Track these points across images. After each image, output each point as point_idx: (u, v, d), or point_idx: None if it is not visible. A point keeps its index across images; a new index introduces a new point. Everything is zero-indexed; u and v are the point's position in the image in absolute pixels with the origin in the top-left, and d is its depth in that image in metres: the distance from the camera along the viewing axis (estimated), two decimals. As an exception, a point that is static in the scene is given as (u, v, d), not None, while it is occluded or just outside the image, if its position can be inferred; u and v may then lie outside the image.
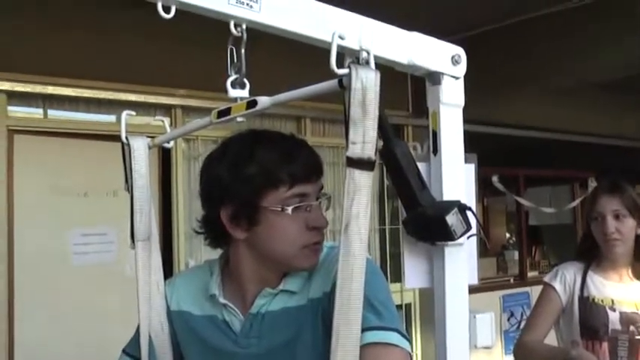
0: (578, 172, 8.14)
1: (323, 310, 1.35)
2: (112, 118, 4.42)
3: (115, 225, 4.30)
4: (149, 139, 1.56)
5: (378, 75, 1.15)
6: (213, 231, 1.45)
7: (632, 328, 2.47)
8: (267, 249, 1.39)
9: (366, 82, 1.12)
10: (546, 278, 2.69)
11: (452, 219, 1.42)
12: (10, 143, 4.01)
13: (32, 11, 4.01)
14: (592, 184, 8.40)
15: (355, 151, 1.14)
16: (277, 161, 1.35)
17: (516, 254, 7.83)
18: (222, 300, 1.45)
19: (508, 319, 6.90)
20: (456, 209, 1.42)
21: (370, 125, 1.14)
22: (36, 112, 4.24)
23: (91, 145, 4.26)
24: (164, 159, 4.41)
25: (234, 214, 1.37)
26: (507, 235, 9.60)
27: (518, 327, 6.93)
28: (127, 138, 1.53)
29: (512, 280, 7.44)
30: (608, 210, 2.53)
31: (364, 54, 1.19)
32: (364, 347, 1.19)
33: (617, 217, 2.52)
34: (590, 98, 7.19)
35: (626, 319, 2.49)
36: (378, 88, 1.14)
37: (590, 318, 2.52)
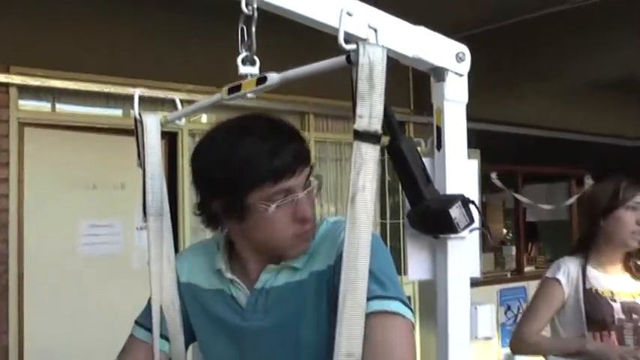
0: (574, 169, 8.13)
1: (328, 282, 1.35)
2: (118, 112, 4.42)
3: (123, 217, 4.31)
4: (161, 116, 1.56)
5: (385, 51, 1.15)
6: (208, 217, 1.44)
7: (634, 316, 2.52)
8: (258, 240, 1.39)
9: (373, 58, 1.13)
10: (549, 273, 2.66)
11: (455, 212, 1.42)
12: (20, 136, 4.01)
13: (42, 7, 4.01)
14: (588, 181, 8.40)
15: (362, 124, 1.15)
16: (260, 158, 1.32)
17: (514, 250, 7.84)
18: (228, 275, 1.45)
19: (505, 313, 6.91)
20: (459, 203, 1.42)
21: (377, 100, 1.14)
22: (45, 106, 4.23)
23: (99, 139, 4.27)
24: (170, 153, 4.40)
25: (224, 207, 1.37)
26: (505, 231, 9.59)
27: (515, 320, 6.94)
28: (139, 115, 1.53)
29: (509, 275, 7.44)
30: None
31: (371, 33, 1.19)
32: (368, 315, 1.19)
33: None
34: (591, 98, 7.20)
35: (627, 309, 2.52)
36: (384, 65, 1.14)
37: (597, 310, 2.53)
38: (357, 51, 1.14)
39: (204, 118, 4.59)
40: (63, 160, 4.20)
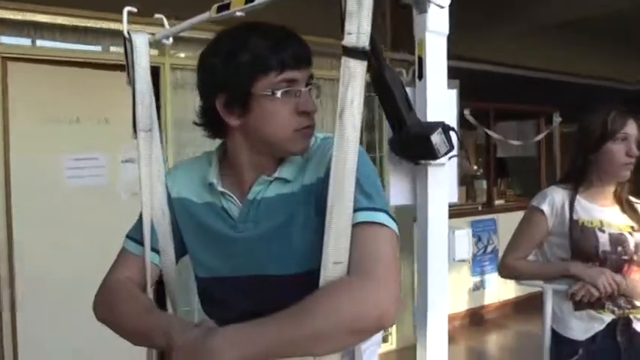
0: (544, 107, 8.19)
1: (317, 194, 1.36)
2: (98, 48, 4.33)
3: (106, 150, 4.29)
4: (150, 35, 1.56)
5: None
6: (210, 121, 1.45)
7: (619, 248, 2.49)
8: (261, 134, 1.39)
9: None
10: (535, 202, 2.62)
11: (436, 138, 1.44)
12: (4, 70, 3.94)
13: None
14: (556, 119, 8.47)
15: (350, 40, 1.17)
16: (268, 49, 1.34)
17: (484, 184, 7.94)
18: (220, 188, 1.46)
19: (476, 244, 7.03)
20: (440, 129, 1.44)
21: (365, 17, 1.17)
22: (26, 42, 4.15)
23: (81, 74, 4.21)
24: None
25: (227, 101, 1.37)
26: (476, 167, 9.68)
27: (485, 251, 7.09)
28: (128, 33, 1.53)
29: (480, 208, 7.56)
30: (635, 133, 2.50)
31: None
32: (355, 226, 1.22)
33: (637, 141, 2.51)
34: (561, 38, 7.20)
35: (614, 241, 2.50)
36: None
37: (583, 241, 2.50)
38: None
39: (182, 54, 4.52)
40: (46, 95, 4.15)
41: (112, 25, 4.12)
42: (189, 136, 4.36)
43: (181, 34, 4.29)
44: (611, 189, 2.59)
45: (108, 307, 1.45)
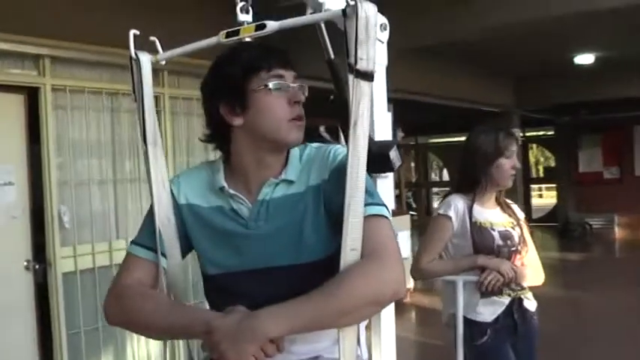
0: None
1: (324, 193, 1.61)
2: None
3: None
4: (152, 56, 1.71)
5: (376, 7, 1.45)
6: (216, 130, 1.67)
7: (508, 242, 3.02)
8: (261, 129, 1.60)
9: (369, 13, 1.44)
10: (441, 210, 3.05)
11: (393, 154, 1.70)
12: None
13: None
14: (400, 134, 9.10)
15: (363, 65, 1.44)
16: (257, 55, 1.60)
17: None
18: (231, 191, 1.65)
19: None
20: (395, 147, 1.71)
21: (372, 45, 1.45)
22: None
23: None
24: (31, 109, 4.26)
25: (229, 104, 1.60)
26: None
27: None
28: (136, 54, 1.66)
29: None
30: (515, 149, 3.05)
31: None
32: (364, 219, 1.48)
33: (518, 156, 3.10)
34: (410, 61, 7.69)
35: (503, 236, 3.02)
36: (376, 18, 1.45)
37: (483, 239, 2.99)
38: (355, 7, 1.42)
39: (63, 75, 4.43)
40: None
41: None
42: (73, 159, 4.35)
43: (60, 54, 4.23)
44: (494, 194, 3.09)
45: (126, 309, 1.57)
